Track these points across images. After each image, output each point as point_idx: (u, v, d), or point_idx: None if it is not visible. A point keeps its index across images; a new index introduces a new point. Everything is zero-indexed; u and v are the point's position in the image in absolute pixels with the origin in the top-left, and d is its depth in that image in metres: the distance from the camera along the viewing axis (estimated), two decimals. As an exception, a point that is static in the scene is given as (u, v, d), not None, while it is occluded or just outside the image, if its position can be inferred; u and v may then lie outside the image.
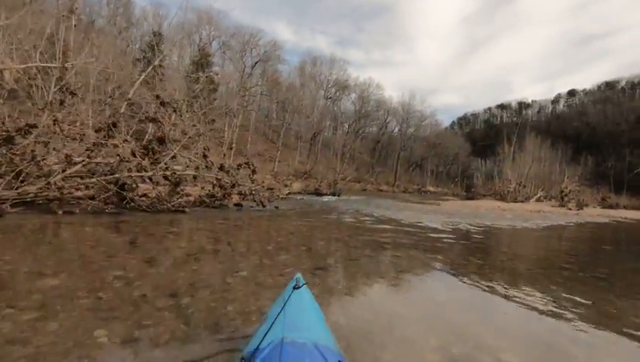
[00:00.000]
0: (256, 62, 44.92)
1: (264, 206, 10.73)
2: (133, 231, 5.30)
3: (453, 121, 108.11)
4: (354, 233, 7.10)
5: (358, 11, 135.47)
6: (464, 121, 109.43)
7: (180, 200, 8.43)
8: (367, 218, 10.43)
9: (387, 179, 55.42)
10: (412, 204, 20.27)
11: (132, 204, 7.67)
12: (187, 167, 10.43)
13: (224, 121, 38.56)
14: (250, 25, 56.72)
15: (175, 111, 9.19)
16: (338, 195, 22.40)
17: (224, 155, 11.28)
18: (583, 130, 72.39)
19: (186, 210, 7.97)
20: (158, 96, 8.49)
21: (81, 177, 7.65)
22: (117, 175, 7.77)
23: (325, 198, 19.73)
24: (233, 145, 40.09)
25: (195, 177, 9.68)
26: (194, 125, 10.82)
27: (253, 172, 10.12)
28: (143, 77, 10.56)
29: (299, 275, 1.75)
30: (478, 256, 5.48)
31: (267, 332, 1.23)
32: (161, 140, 10.07)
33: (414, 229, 8.39)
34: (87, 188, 7.65)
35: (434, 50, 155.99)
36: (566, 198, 30.72)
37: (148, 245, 4.33)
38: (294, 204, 13.70)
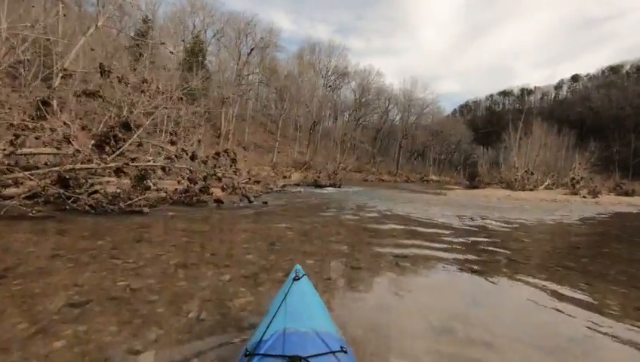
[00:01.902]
0: (252, 49, 42.91)
1: (250, 201, 9.17)
2: (45, 250, 3.68)
3: (455, 109, 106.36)
4: (355, 240, 5.48)
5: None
6: (466, 109, 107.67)
7: (141, 197, 6.80)
8: (371, 214, 8.82)
9: (389, 169, 53.93)
10: (417, 195, 18.68)
11: (75, 204, 6.04)
12: (158, 155, 8.85)
13: (220, 110, 36.96)
14: (247, 12, 54.69)
15: (124, 83, 7.47)
16: (338, 186, 20.96)
17: (199, 142, 9.63)
18: (586, 116, 70.53)
19: (145, 210, 6.31)
20: (101, 65, 6.79)
21: (5, 172, 5.99)
22: (56, 168, 6.14)
23: (325, 190, 18.22)
24: (230, 136, 38.49)
25: (163, 169, 8.05)
26: (165, 108, 9.14)
27: (234, 161, 8.46)
28: (83, 41, 8.80)
29: (298, 267, 1.72)
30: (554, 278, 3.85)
31: (270, 324, 1.19)
32: (126, 126, 8.46)
33: (429, 230, 6.79)
34: (16, 184, 6.02)
35: (435, 37, 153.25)
36: (578, 186, 29.13)
37: (31, 282, 2.63)
38: (289, 198, 12.12)
